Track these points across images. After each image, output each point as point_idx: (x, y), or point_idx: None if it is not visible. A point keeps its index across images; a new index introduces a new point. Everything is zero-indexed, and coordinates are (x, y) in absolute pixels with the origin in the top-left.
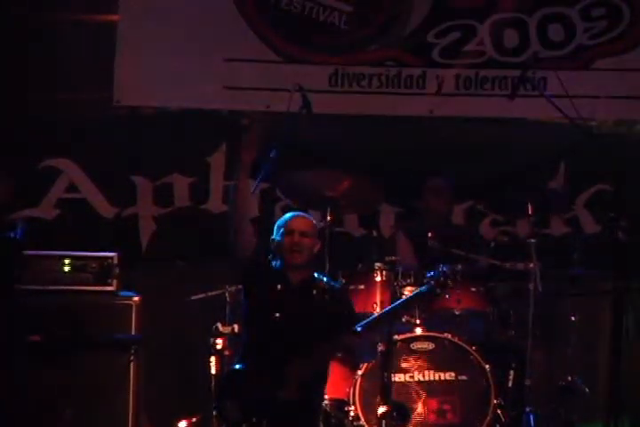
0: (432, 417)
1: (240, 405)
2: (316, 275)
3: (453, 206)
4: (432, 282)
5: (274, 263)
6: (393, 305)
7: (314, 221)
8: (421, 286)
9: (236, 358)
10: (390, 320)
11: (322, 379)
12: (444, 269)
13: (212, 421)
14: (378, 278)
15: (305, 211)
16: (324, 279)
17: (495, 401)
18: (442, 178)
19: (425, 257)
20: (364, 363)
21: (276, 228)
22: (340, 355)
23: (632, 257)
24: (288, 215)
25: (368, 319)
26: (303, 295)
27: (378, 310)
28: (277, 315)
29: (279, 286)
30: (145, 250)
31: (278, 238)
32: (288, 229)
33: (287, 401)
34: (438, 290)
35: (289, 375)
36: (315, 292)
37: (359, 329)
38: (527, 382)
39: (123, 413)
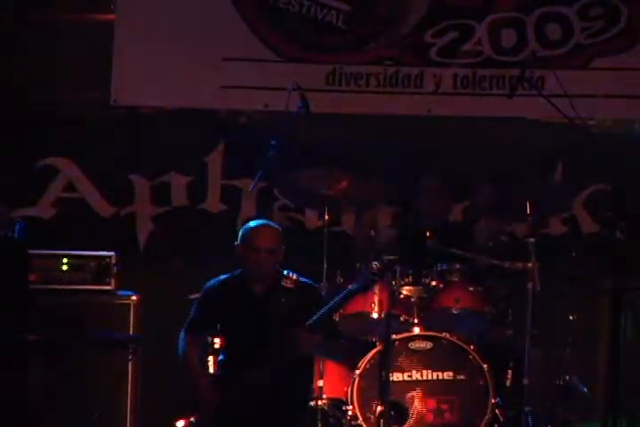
0: (430, 417)
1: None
2: (285, 273)
3: (452, 206)
4: (363, 278)
5: (235, 273)
6: (334, 301)
7: (279, 232)
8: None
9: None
10: (333, 315)
11: (304, 377)
12: (375, 263)
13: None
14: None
15: (302, 210)
16: (294, 278)
17: (493, 401)
18: (438, 177)
19: (424, 257)
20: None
21: (240, 236)
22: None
23: (630, 257)
24: (253, 227)
25: (315, 316)
26: (269, 302)
27: (376, 310)
28: (247, 327)
29: (242, 300)
30: (143, 249)
31: (242, 252)
32: (254, 247)
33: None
34: (371, 286)
35: (259, 378)
36: (281, 295)
37: (308, 325)
38: (525, 382)
39: (121, 412)
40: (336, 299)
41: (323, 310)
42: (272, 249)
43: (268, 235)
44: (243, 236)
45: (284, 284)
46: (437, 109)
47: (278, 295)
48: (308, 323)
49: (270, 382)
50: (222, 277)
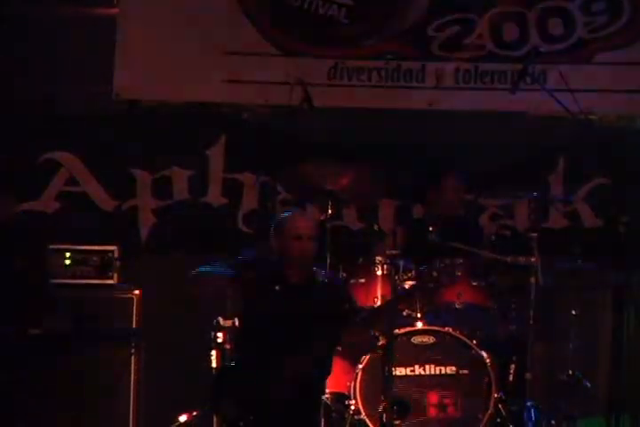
0: (433, 411)
1: (236, 402)
2: (316, 270)
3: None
4: (421, 278)
5: (272, 261)
6: (388, 301)
7: (314, 219)
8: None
9: (234, 352)
10: (389, 315)
11: (323, 375)
12: (437, 263)
13: (210, 416)
14: (379, 272)
15: (303, 205)
16: (325, 274)
17: (496, 395)
18: (458, 173)
19: (425, 251)
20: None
21: (277, 228)
22: (340, 349)
23: (632, 251)
24: (290, 216)
25: (366, 313)
26: (302, 294)
27: (378, 304)
28: (277, 315)
29: (277, 287)
30: (145, 243)
31: (281, 241)
32: (296, 234)
33: (284, 399)
34: (431, 285)
35: (287, 373)
36: (314, 289)
37: (356, 321)
38: (528, 377)
39: (123, 405)
40: (392, 299)
41: (375, 308)
42: (312, 236)
43: (307, 222)
44: (280, 225)
45: (317, 277)
46: (439, 104)
47: (312, 287)
48: (357, 319)
49: (293, 376)
50: (251, 254)
